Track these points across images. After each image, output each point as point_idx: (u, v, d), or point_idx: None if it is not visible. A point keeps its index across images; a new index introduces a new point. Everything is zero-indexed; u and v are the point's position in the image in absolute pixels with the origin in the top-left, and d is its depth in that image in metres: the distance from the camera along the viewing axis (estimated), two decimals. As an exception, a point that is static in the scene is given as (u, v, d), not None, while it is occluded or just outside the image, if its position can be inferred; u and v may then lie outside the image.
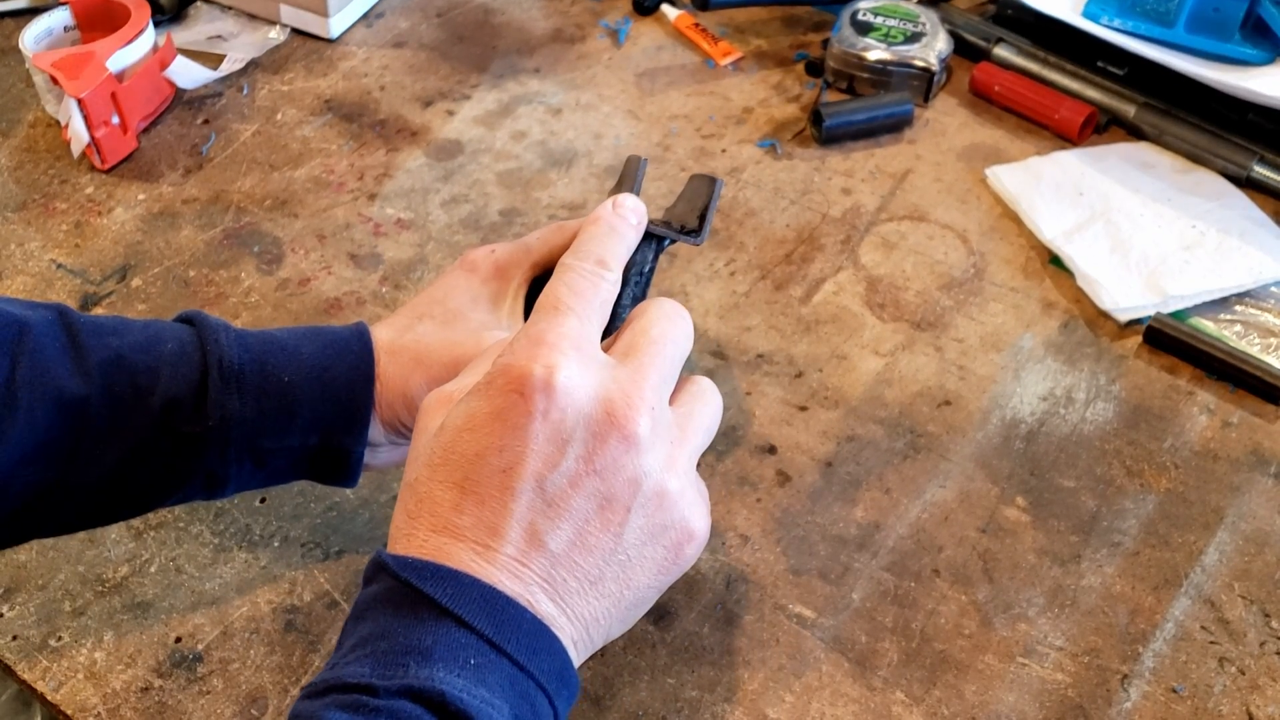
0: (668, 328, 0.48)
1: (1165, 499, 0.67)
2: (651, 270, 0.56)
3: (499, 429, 0.43)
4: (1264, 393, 0.72)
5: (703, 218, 0.58)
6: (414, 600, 0.42)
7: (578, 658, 0.45)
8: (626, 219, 0.52)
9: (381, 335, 0.57)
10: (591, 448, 0.44)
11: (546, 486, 0.43)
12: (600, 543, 0.44)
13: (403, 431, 0.57)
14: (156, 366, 0.52)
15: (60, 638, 0.60)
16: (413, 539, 0.44)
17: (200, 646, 0.60)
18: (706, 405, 0.49)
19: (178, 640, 0.60)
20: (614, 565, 0.44)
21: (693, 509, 0.46)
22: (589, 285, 0.48)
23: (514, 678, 0.42)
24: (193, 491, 0.54)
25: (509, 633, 0.42)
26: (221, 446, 0.53)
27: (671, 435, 0.46)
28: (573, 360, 0.44)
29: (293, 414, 0.54)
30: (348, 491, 0.66)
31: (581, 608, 0.44)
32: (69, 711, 0.57)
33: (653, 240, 0.55)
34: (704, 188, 0.60)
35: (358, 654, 0.41)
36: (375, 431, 0.56)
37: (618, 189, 0.57)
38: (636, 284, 0.55)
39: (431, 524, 0.44)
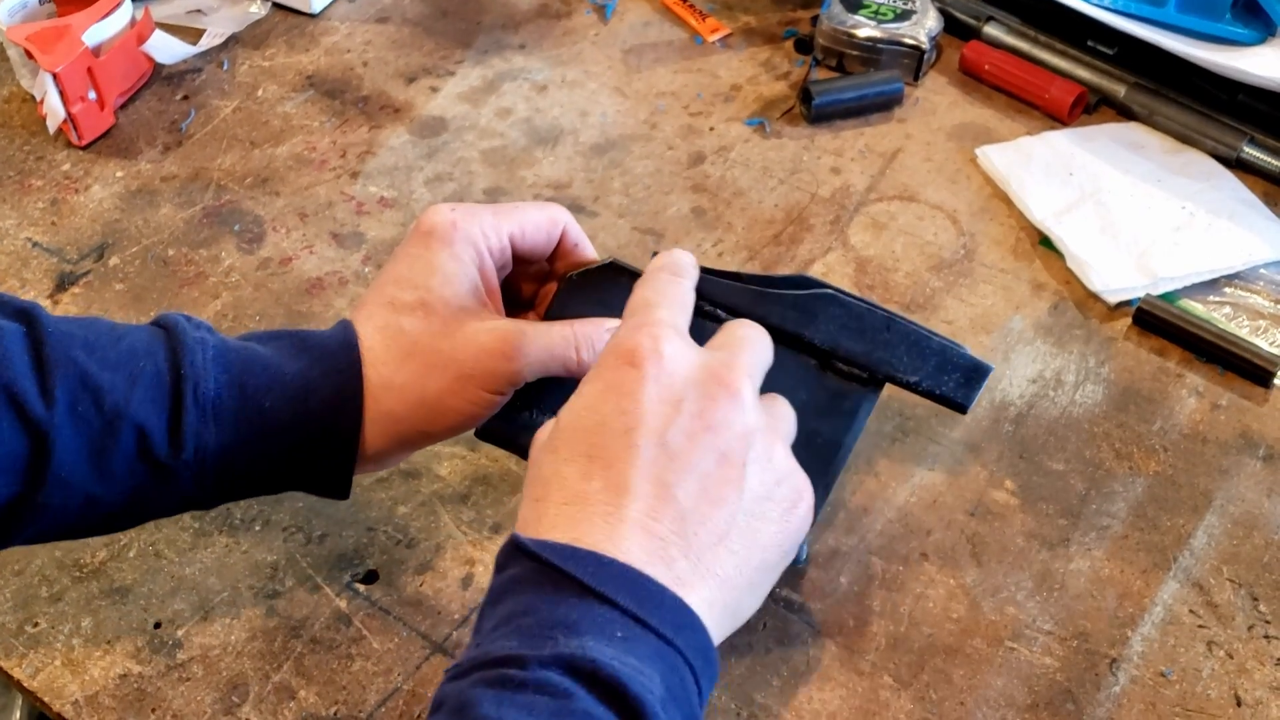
0: (752, 333, 0.51)
1: (1154, 482, 0.66)
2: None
3: (615, 397, 0.46)
4: (1253, 375, 0.71)
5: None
6: (555, 579, 0.42)
7: (715, 624, 0.45)
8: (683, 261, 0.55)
9: (365, 331, 0.54)
10: (702, 405, 0.46)
11: (667, 441, 0.45)
12: (724, 494, 0.46)
13: (397, 434, 0.54)
14: (127, 389, 0.50)
15: (37, 624, 0.59)
16: (543, 519, 0.45)
17: (180, 633, 0.59)
18: (785, 407, 0.53)
19: (157, 626, 0.59)
20: (739, 518, 0.46)
21: (797, 472, 0.49)
22: (671, 287, 0.52)
23: (661, 650, 0.42)
24: (171, 512, 0.54)
25: (652, 608, 0.43)
26: (199, 475, 0.51)
27: (765, 416, 0.49)
28: (674, 336, 0.48)
29: (272, 442, 0.52)
30: (330, 474, 0.65)
31: (713, 563, 0.45)
32: (46, 699, 0.56)
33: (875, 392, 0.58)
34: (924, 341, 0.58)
35: (500, 631, 0.42)
36: (372, 437, 0.54)
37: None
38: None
39: (561, 497, 0.45)
